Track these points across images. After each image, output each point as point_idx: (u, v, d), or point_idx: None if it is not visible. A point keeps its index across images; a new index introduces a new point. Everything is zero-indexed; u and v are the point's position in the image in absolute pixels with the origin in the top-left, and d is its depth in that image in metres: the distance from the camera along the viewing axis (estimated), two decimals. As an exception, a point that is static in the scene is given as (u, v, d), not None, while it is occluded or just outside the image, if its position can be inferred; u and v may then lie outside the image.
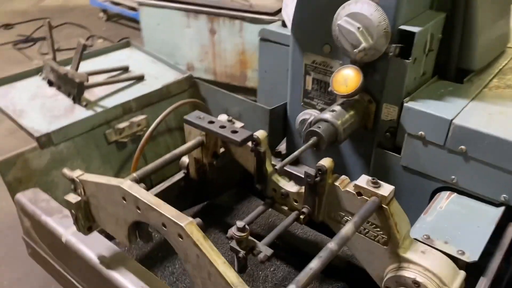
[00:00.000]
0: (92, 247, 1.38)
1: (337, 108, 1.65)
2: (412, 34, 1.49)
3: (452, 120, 1.48)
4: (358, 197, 1.31)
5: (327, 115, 1.61)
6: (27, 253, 1.80)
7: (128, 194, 1.04)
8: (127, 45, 2.58)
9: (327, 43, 1.74)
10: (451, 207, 1.52)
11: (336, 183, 1.37)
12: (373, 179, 1.28)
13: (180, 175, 1.78)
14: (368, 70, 1.64)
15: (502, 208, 1.49)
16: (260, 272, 1.71)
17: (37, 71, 2.19)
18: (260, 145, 1.52)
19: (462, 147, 1.48)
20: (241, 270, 1.41)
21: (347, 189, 1.34)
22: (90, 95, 2.07)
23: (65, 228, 1.46)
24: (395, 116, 1.65)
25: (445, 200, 1.56)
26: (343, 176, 1.39)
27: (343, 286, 1.63)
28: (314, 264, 1.07)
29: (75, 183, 1.23)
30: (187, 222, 0.93)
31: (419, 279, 1.25)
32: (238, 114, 2.24)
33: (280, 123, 2.15)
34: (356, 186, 1.30)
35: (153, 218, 1.01)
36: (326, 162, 1.36)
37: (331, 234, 1.26)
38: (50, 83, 2.10)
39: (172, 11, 3.66)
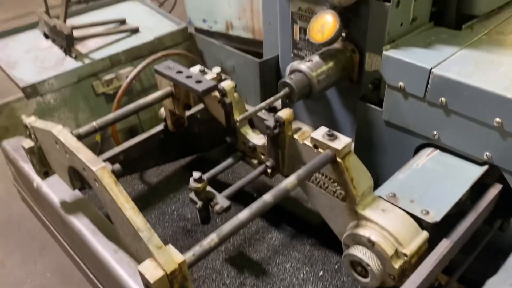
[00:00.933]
0: (57, 192, 1.41)
1: (314, 58, 1.56)
2: (391, -28, 1.35)
3: (431, 69, 1.34)
4: (315, 150, 1.24)
5: (302, 65, 1.52)
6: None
7: (57, 139, 1.04)
8: (129, -3, 2.56)
9: (311, -13, 1.62)
10: (429, 164, 1.41)
11: (295, 136, 1.30)
12: (329, 131, 1.21)
13: (160, 127, 1.77)
14: (349, 16, 1.52)
15: (485, 167, 1.36)
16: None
17: (37, 24, 2.23)
18: (226, 95, 1.46)
19: (442, 99, 1.35)
20: (203, 221, 1.39)
21: (305, 142, 1.28)
22: (82, 47, 2.08)
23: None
24: (379, 67, 1.53)
25: (425, 157, 1.45)
26: (304, 129, 1.32)
27: (314, 242, 1.58)
28: (243, 215, 1.04)
29: (28, 129, 1.25)
30: (99, 167, 0.92)
31: (374, 237, 1.18)
32: (232, 68, 2.18)
33: (272, 76, 2.07)
34: (312, 138, 1.23)
35: (77, 162, 1.00)
36: (284, 113, 1.30)
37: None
38: (46, 36, 2.14)
39: (211, -35, 3.59)
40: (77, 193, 1.43)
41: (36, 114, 1.85)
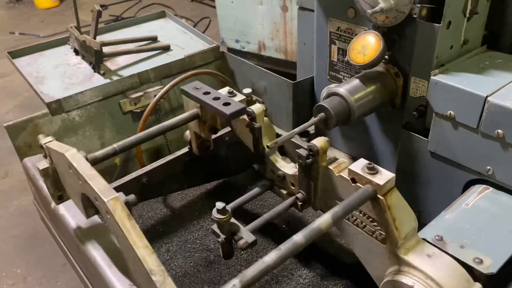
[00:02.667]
0: (74, 216, 1.33)
1: (354, 81, 1.43)
2: (442, -10, 1.22)
3: (487, 97, 1.20)
4: (353, 184, 1.11)
5: (340, 88, 1.40)
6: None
7: (70, 163, 0.95)
8: (162, 15, 2.51)
9: (351, 6, 1.51)
10: (481, 204, 1.25)
11: (331, 167, 1.17)
12: (370, 163, 1.07)
13: (184, 150, 1.68)
14: (394, 37, 1.40)
15: (548, 210, 1.19)
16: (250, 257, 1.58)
17: (68, 39, 2.20)
18: (255, 120, 1.35)
19: (499, 131, 1.20)
20: (226, 256, 1.28)
21: (342, 174, 1.15)
22: (112, 64, 2.03)
23: (55, 195, 1.43)
24: (425, 93, 1.39)
25: (476, 195, 1.29)
26: (340, 159, 1.19)
27: (346, 284, 1.43)
28: (270, 258, 0.91)
29: (44, 150, 1.17)
30: (111, 198, 0.82)
31: (418, 287, 1.03)
32: (263, 89, 2.08)
33: (306, 98, 1.95)
34: (350, 171, 1.10)
35: (89, 190, 0.91)
36: (319, 141, 1.17)
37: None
38: (76, 52, 2.10)
39: (246, -13, 3.62)
40: (95, 218, 1.34)
41: (60, 131, 1.80)
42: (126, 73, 1.95)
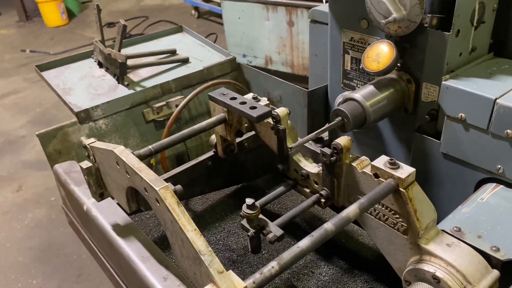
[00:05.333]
0: (107, 217, 1.41)
1: (369, 87, 1.53)
2: (452, 1, 1.33)
3: (496, 99, 1.29)
4: (375, 179, 1.19)
5: (356, 94, 1.50)
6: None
7: (118, 158, 1.04)
8: (179, 30, 2.63)
9: (364, 17, 1.62)
10: (494, 199, 1.33)
11: (354, 164, 1.26)
12: (391, 159, 1.16)
13: (209, 154, 1.76)
14: (405, 45, 1.50)
15: (557, 204, 1.27)
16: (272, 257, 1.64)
17: (91, 53, 2.31)
18: (280, 122, 1.44)
19: (508, 131, 1.29)
20: (254, 250, 1.35)
21: (365, 170, 1.23)
22: (134, 76, 2.13)
23: (87, 197, 1.51)
24: (436, 97, 1.48)
25: (488, 192, 1.37)
26: (363, 157, 1.28)
27: (367, 279, 1.50)
28: (303, 243, 0.99)
29: (87, 150, 1.26)
30: (161, 187, 0.91)
31: (439, 274, 1.10)
32: (279, 97, 2.18)
33: (320, 106, 2.05)
34: (373, 167, 1.19)
35: (138, 182, 0.99)
36: (342, 140, 1.26)
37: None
38: (100, 65, 2.21)
39: (252, 4, 3.79)
40: (127, 218, 1.42)
41: (88, 139, 1.89)
42: (148, 84, 2.06)
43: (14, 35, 6.62)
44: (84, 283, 2.74)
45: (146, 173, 0.96)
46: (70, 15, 6.93)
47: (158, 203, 0.92)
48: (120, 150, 1.05)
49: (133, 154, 1.07)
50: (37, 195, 3.49)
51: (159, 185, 0.91)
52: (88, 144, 1.24)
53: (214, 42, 5.27)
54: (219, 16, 6.31)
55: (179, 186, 0.95)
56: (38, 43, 6.20)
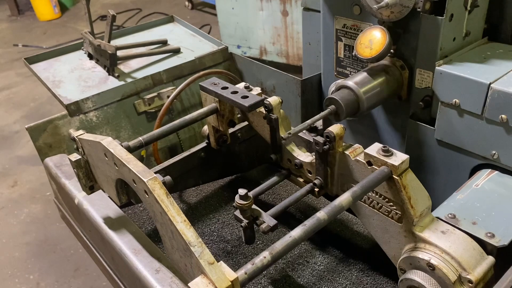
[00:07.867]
0: (98, 210, 1.39)
1: (362, 74, 1.51)
2: (445, -15, 1.30)
3: (490, 84, 1.27)
4: (369, 167, 1.17)
5: (349, 81, 1.48)
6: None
7: (106, 150, 1.02)
8: (170, 20, 2.59)
9: (356, 3, 1.59)
10: (488, 185, 1.32)
11: (347, 152, 1.24)
12: (384, 147, 1.14)
13: (202, 145, 1.74)
14: (398, 30, 1.47)
15: (552, 189, 1.26)
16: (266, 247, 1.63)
17: (81, 45, 2.28)
18: (272, 111, 1.42)
19: (503, 116, 1.27)
20: (248, 241, 1.33)
21: (358, 158, 1.21)
22: (125, 67, 2.10)
23: (79, 191, 1.49)
24: (430, 83, 1.46)
25: (483, 178, 1.36)
26: (356, 145, 1.26)
27: (362, 267, 1.49)
28: (296, 233, 0.98)
29: (76, 142, 1.24)
30: (150, 178, 0.89)
31: (434, 261, 1.09)
32: (272, 87, 2.16)
33: (314, 94, 2.03)
34: (366, 154, 1.17)
35: (126, 174, 0.97)
36: (335, 128, 1.24)
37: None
38: (90, 57, 2.17)
39: (246, -6, 3.70)
40: (118, 211, 1.40)
41: (79, 131, 1.86)
42: (139, 75, 2.03)
43: (6, 30, 6.54)
44: (81, 277, 2.73)
45: (134, 165, 0.94)
46: (63, 8, 6.86)
47: (147, 195, 0.90)
48: (108, 142, 1.03)
49: (121, 145, 1.05)
50: (32, 190, 3.46)
51: (147, 177, 0.89)
52: (76, 136, 1.21)
53: (208, 33, 5.22)
54: (213, 7, 6.25)
55: (168, 177, 0.94)
56: (31, 37, 6.13)
